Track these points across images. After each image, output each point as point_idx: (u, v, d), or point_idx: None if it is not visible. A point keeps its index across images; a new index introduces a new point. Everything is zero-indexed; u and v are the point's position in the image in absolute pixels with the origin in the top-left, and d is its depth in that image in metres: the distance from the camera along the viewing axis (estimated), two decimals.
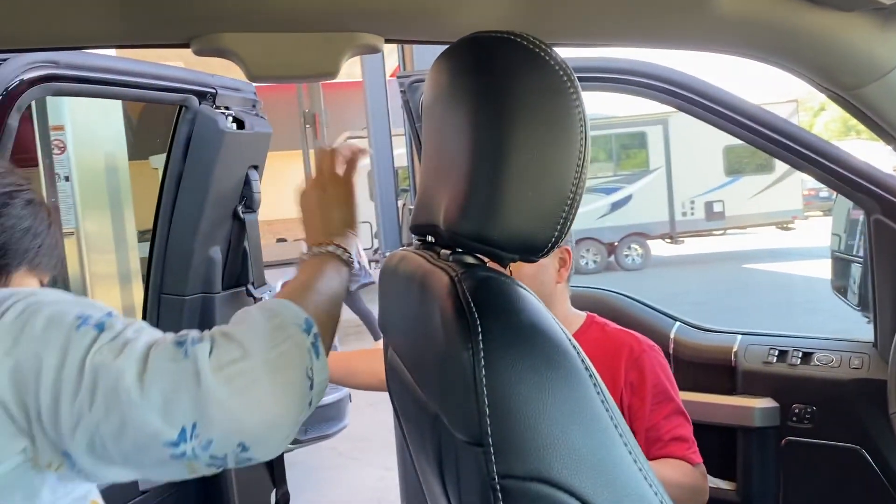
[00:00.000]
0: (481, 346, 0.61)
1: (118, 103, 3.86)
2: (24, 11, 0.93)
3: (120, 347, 0.73)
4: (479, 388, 0.60)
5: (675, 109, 1.79)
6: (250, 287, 2.02)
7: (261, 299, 1.98)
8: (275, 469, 2.01)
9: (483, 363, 0.60)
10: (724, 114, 1.69)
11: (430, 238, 0.94)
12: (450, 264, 0.76)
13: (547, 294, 1.51)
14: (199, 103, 1.80)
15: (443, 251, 0.84)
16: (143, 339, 0.75)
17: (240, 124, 1.88)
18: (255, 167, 1.97)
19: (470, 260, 0.77)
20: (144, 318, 1.84)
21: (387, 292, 1.07)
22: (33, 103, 3.20)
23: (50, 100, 3.40)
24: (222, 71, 1.72)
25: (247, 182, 1.93)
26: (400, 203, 4.33)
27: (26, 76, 1.42)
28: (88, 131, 3.64)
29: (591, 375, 0.63)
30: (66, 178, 3.44)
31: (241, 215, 1.95)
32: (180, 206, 1.82)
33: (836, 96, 1.43)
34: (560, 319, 1.49)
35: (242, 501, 1.92)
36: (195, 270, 1.87)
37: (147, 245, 1.94)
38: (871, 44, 1.18)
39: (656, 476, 0.89)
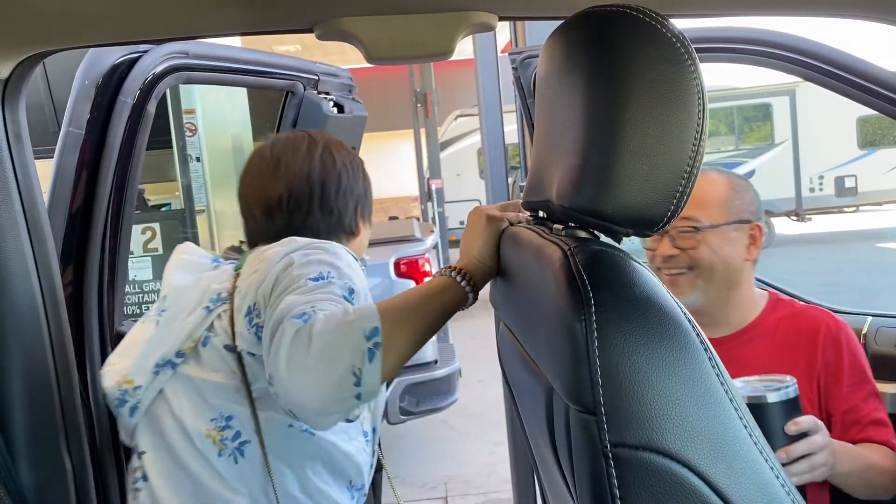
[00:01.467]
0: (594, 317, 0.62)
1: (243, 89, 4.06)
2: (164, 5, 1.00)
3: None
4: (591, 357, 0.61)
5: (802, 80, 1.70)
6: None
7: None
8: None
9: (596, 334, 0.61)
10: (856, 83, 1.59)
11: (542, 213, 0.95)
12: (563, 238, 0.77)
13: (733, 270, 1.44)
14: (304, 89, 1.93)
15: (555, 226, 0.85)
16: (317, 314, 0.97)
17: (339, 108, 2.01)
18: (353, 148, 2.06)
19: (583, 234, 0.78)
20: None
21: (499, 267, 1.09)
22: (168, 90, 3.43)
23: (182, 86, 3.61)
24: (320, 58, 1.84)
25: None
26: (510, 180, 4.33)
27: (161, 66, 1.54)
28: (217, 115, 3.85)
29: (706, 349, 0.63)
30: (198, 159, 3.66)
31: None
32: None
33: None
34: (744, 299, 1.46)
35: None
36: None
37: None
38: None
39: (863, 460, 0.89)
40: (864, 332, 1.80)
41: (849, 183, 12.85)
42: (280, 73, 1.87)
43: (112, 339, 1.51)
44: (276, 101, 2.01)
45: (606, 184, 0.70)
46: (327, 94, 1.98)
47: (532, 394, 0.86)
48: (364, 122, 2.13)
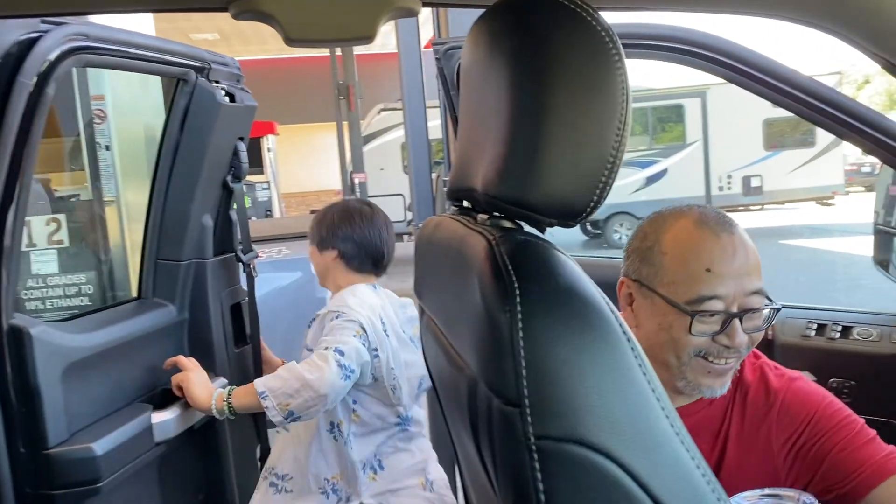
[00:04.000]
0: (519, 308, 0.61)
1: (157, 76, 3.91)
2: None
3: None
4: (515, 349, 0.60)
5: (713, 82, 1.76)
6: (239, 253, 2.13)
7: (248, 264, 2.14)
8: (259, 427, 2.17)
9: (521, 325, 0.60)
10: (770, 83, 1.64)
11: (466, 203, 0.93)
12: (487, 228, 0.76)
13: None
14: (196, 77, 1.89)
15: (480, 216, 0.83)
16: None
17: (230, 97, 1.99)
18: (242, 138, 2.10)
19: (507, 224, 0.77)
20: (141, 282, 1.97)
21: (423, 258, 1.07)
22: (75, 74, 3.26)
23: (91, 70, 3.44)
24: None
25: (235, 153, 2.07)
26: (434, 175, 4.33)
27: (62, 48, 1.46)
28: (129, 102, 3.68)
29: (628, 339, 0.63)
30: (107, 147, 3.49)
31: (230, 184, 2.07)
32: (176, 175, 1.93)
33: (887, 64, 1.38)
34: None
35: (235, 452, 2.09)
36: (189, 237, 1.97)
37: None
38: None
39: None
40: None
41: (755, 182, 13.46)
42: (173, 60, 1.80)
43: (3, 334, 1.41)
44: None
45: (531, 173, 0.70)
46: (217, 82, 1.95)
47: (455, 386, 0.84)
48: (254, 112, 2.12)
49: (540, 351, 0.60)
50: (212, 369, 1.96)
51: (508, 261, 0.65)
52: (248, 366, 2.15)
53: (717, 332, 1.10)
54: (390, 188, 12.11)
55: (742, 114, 12.77)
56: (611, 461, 0.58)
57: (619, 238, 13.13)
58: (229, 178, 2.07)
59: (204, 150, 1.92)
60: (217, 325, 2.03)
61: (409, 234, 10.56)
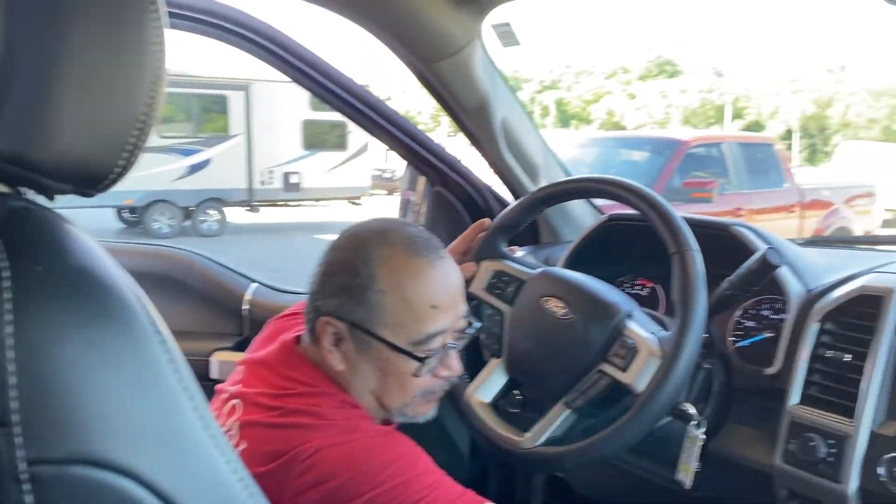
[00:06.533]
0: (9, 294, 0.46)
1: None
2: None
3: None
4: (1, 349, 0.45)
5: (257, 77, 1.70)
6: None
7: None
8: None
9: (11, 317, 0.46)
10: (324, 85, 1.66)
11: None
12: None
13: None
14: None
15: None
16: None
17: None
18: None
19: (2, 189, 0.60)
20: None
21: None
22: None
23: None
24: None
25: None
26: None
27: None
28: None
29: (157, 332, 0.53)
30: None
31: None
32: None
33: (416, 70, 1.52)
34: None
35: None
36: None
37: None
38: (447, 20, 1.27)
39: None
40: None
41: (294, 179, 14.13)
42: None
43: None
44: None
45: (37, 124, 0.54)
46: None
47: None
48: None
49: (38, 350, 0.46)
50: None
51: None
52: None
53: (437, 367, 1.03)
54: None
55: (283, 112, 13.28)
56: (130, 479, 0.48)
57: (160, 228, 12.51)
58: None
59: None
60: None
61: None
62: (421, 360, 0.98)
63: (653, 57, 41.50)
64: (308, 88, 1.68)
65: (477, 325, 1.09)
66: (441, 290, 0.99)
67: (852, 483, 1.07)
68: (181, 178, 12.79)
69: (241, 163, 13.55)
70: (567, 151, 7.20)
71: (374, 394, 1.02)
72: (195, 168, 13.06)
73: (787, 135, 32.37)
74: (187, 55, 11.21)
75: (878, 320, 1.12)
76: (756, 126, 34.55)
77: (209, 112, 13.69)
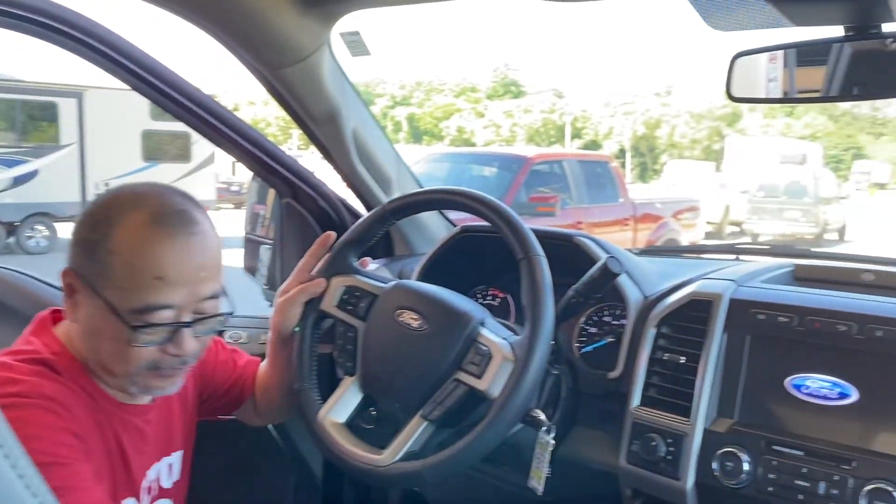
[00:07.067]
0: None
1: None
2: None
3: None
4: None
5: (91, 84, 1.58)
6: None
7: None
8: None
9: None
10: (161, 89, 1.55)
11: None
12: None
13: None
14: None
15: None
16: None
17: None
18: None
19: None
20: None
21: None
22: None
23: None
24: None
25: None
26: None
27: None
28: None
29: None
30: None
31: None
32: None
33: (261, 77, 1.47)
34: None
35: None
36: None
37: None
38: (293, 25, 1.24)
39: None
40: None
41: None
42: None
43: None
44: None
45: None
46: None
47: None
48: None
49: None
50: None
51: None
52: None
53: (164, 342, 1.00)
54: None
55: (121, 121, 12.53)
56: None
57: None
58: None
59: None
60: None
61: None
62: (134, 328, 0.96)
63: (498, 77, 43.14)
64: (148, 97, 1.57)
65: (228, 313, 1.07)
66: (172, 264, 0.97)
67: (689, 479, 1.13)
68: (4, 190, 11.79)
69: (74, 175, 12.65)
70: (419, 166, 7.30)
71: (97, 354, 1.01)
72: (20, 180, 12.08)
73: (621, 153, 34.66)
74: (12, 57, 10.35)
75: (708, 323, 1.20)
76: (593, 145, 36.76)
77: (37, 120, 12.71)
